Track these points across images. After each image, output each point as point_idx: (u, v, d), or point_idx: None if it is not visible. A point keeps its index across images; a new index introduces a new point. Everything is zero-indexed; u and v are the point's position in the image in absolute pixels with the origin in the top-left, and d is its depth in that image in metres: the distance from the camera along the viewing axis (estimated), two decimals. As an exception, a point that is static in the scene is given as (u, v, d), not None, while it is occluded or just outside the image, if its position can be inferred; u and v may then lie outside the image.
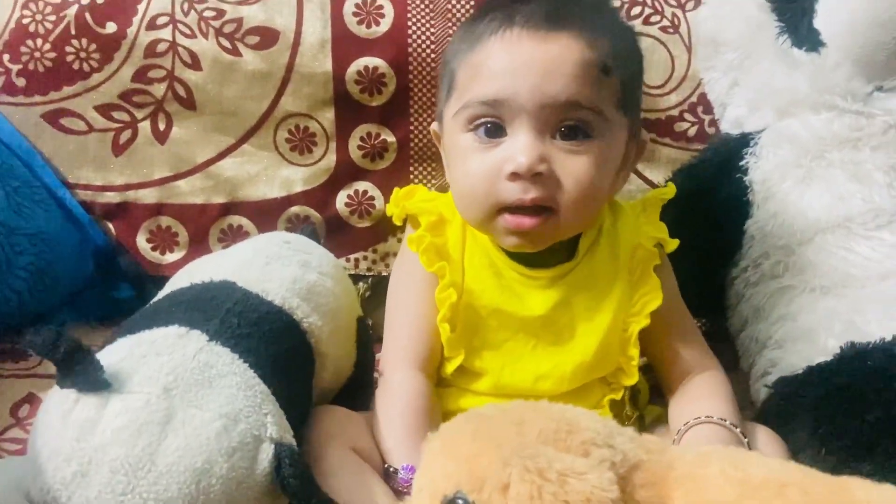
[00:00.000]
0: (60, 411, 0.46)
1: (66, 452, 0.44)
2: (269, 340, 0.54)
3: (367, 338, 0.70)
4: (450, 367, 0.64)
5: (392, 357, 0.66)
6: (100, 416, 0.45)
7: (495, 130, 0.61)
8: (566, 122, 0.60)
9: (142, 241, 0.90)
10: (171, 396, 0.46)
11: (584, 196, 0.60)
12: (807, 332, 0.68)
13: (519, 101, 0.59)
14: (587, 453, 0.44)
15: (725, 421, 0.60)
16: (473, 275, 0.65)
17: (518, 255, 0.65)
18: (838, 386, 0.61)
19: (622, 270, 0.65)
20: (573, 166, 0.59)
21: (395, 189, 0.71)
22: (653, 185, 0.92)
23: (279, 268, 0.62)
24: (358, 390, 0.67)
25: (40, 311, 0.83)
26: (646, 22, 0.92)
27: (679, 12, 0.92)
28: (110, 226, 0.90)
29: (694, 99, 0.92)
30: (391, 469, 0.58)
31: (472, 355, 0.65)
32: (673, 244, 0.67)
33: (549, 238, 0.63)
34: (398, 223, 0.71)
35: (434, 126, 0.71)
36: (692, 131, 0.93)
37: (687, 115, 0.93)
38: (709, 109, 0.92)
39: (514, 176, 0.59)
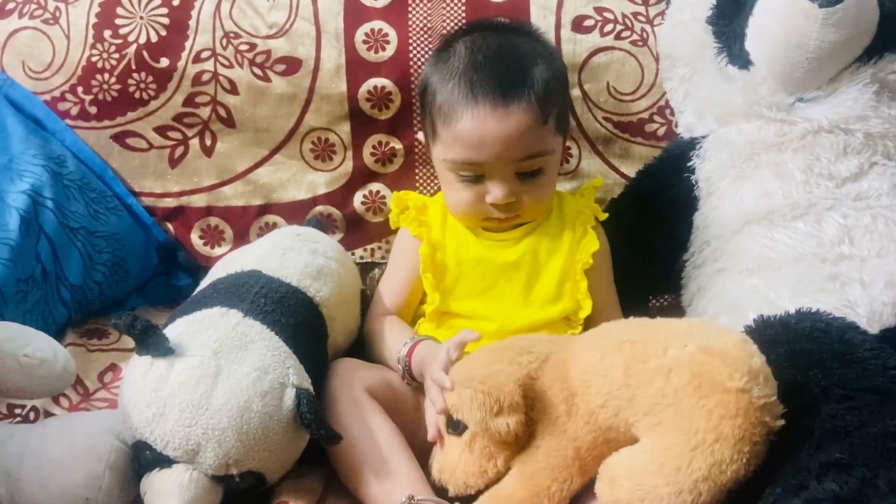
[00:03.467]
0: (140, 372, 0.63)
1: (147, 400, 0.62)
2: (289, 313, 0.71)
3: (367, 305, 0.90)
4: (428, 309, 0.84)
5: (371, 313, 0.88)
6: (169, 373, 0.62)
7: (476, 178, 0.82)
8: (524, 168, 0.81)
9: (195, 238, 1.05)
10: (218, 357, 0.63)
11: (543, 202, 0.85)
12: (733, 306, 0.80)
13: (490, 162, 0.80)
14: (513, 361, 0.66)
15: None
16: (457, 239, 0.86)
17: (490, 228, 0.87)
18: None
19: (568, 230, 0.87)
20: (533, 192, 0.83)
21: (394, 193, 0.93)
22: (627, 179, 1.03)
23: (293, 257, 0.79)
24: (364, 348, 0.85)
25: (116, 298, 0.99)
26: (617, 37, 1.02)
27: (648, 27, 1.02)
28: (169, 226, 1.04)
29: (662, 103, 1.02)
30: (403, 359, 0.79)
31: (459, 300, 0.85)
32: (603, 215, 0.89)
33: (515, 224, 0.86)
34: (395, 209, 0.92)
35: (420, 137, 0.90)
36: (661, 131, 1.03)
37: (656, 118, 1.03)
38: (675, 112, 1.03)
39: (495, 205, 0.82)
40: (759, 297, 0.78)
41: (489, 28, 0.87)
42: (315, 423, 0.63)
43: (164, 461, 0.61)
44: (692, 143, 0.91)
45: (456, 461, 0.68)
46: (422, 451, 0.72)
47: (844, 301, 0.75)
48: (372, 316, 0.88)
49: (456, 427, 0.67)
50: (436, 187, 1.03)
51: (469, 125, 0.79)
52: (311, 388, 0.67)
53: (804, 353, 0.66)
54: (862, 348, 0.67)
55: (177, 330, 0.66)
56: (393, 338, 0.83)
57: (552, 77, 0.82)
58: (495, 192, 0.80)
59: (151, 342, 0.62)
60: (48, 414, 0.79)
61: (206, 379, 0.62)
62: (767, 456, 0.60)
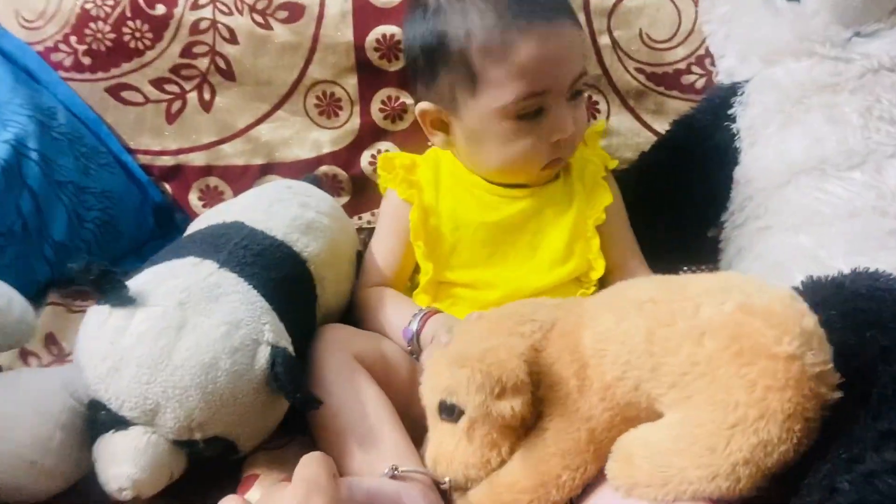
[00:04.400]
0: (97, 322, 0.56)
1: (102, 352, 0.55)
2: (271, 267, 0.64)
3: None
4: (422, 279, 0.75)
5: (362, 280, 0.80)
6: (127, 325, 0.55)
7: (536, 114, 0.73)
8: (576, 88, 0.75)
9: (193, 199, 0.99)
10: (184, 308, 0.56)
11: (583, 133, 0.79)
12: (778, 267, 0.71)
13: (558, 86, 0.72)
14: (513, 332, 0.56)
15: None
16: (453, 200, 0.78)
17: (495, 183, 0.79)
18: None
19: (576, 184, 0.79)
20: (580, 117, 0.76)
21: (381, 155, 0.84)
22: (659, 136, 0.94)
23: (281, 209, 0.71)
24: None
25: (107, 259, 0.90)
26: None
27: None
28: (167, 185, 0.99)
29: (701, 52, 0.93)
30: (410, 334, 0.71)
31: (456, 269, 0.77)
32: (613, 163, 0.82)
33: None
34: (382, 172, 0.85)
35: (423, 106, 0.79)
36: (700, 83, 0.94)
37: (694, 68, 0.94)
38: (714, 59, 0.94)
39: (560, 141, 0.74)
40: (807, 256, 0.70)
41: None
42: (290, 385, 0.56)
43: (120, 422, 0.54)
44: (734, 89, 0.83)
45: (452, 451, 0.57)
46: (415, 426, 0.64)
47: (907, 260, 0.66)
48: (362, 285, 0.80)
49: (451, 413, 0.56)
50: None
51: (531, 51, 0.71)
52: (289, 346, 0.59)
53: (860, 313, 0.57)
54: None
55: (142, 279, 0.59)
56: (395, 310, 0.75)
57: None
58: (564, 124, 0.73)
59: (109, 289, 0.55)
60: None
61: (169, 331, 0.55)
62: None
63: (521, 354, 0.55)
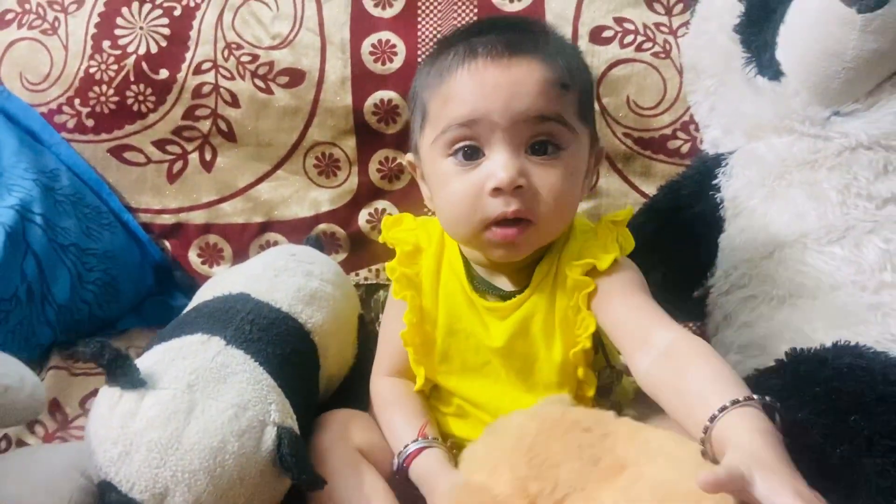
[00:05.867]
0: (108, 405, 0.58)
1: (113, 437, 0.56)
2: (276, 342, 0.65)
3: (367, 332, 0.82)
4: (417, 384, 0.72)
5: (377, 367, 0.75)
6: (138, 408, 0.57)
7: (473, 153, 0.64)
8: (538, 138, 0.63)
9: (193, 257, 1.02)
10: (193, 391, 0.58)
11: (559, 205, 0.64)
12: (763, 338, 0.73)
13: (492, 118, 0.62)
14: (522, 490, 0.53)
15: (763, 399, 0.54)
16: (450, 300, 0.70)
17: (480, 287, 0.70)
18: (774, 389, 0.63)
19: (559, 294, 0.67)
20: (548, 178, 0.63)
21: (385, 218, 0.77)
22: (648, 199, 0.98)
23: (286, 279, 0.73)
24: (361, 379, 0.77)
25: (107, 318, 0.95)
26: (638, 49, 0.98)
27: (671, 38, 0.98)
28: (166, 243, 1.02)
29: (686, 118, 0.97)
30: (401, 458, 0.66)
31: (447, 376, 0.71)
32: (604, 262, 0.66)
33: (530, 246, 0.66)
34: (385, 231, 0.76)
35: (409, 157, 0.73)
36: (685, 148, 0.99)
37: (680, 134, 0.98)
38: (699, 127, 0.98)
39: (497, 191, 0.62)
40: (791, 328, 0.72)
41: (494, 25, 0.70)
42: (297, 467, 0.57)
43: (128, 505, 0.56)
44: (718, 160, 0.85)
45: None
46: None
47: (887, 334, 0.68)
48: (376, 372, 0.75)
49: None
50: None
51: (465, 78, 0.63)
52: (295, 426, 0.61)
53: (844, 395, 0.59)
54: None
55: (151, 359, 0.61)
56: (397, 424, 0.70)
57: (576, 52, 0.71)
58: (496, 169, 0.62)
59: (120, 373, 0.57)
60: (21, 443, 0.75)
61: (178, 415, 0.56)
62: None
63: None
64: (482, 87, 0.62)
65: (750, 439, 0.50)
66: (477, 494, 0.53)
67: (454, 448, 0.69)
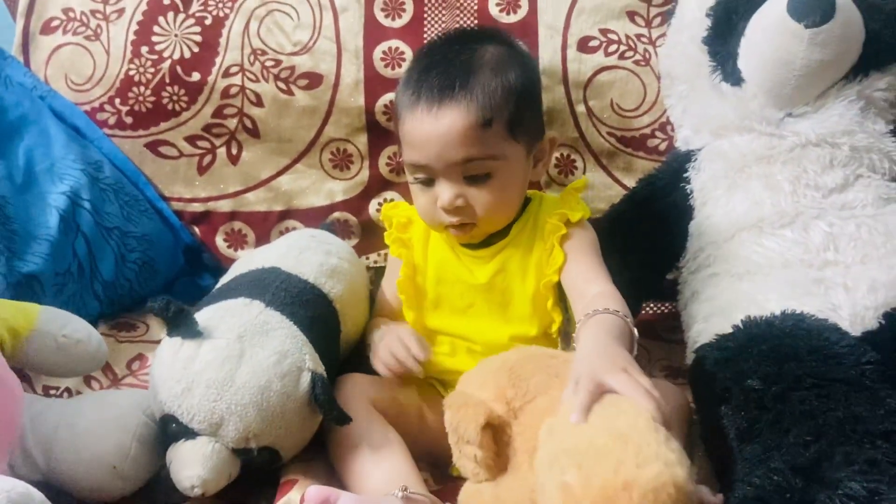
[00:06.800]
0: (171, 351, 0.69)
1: (177, 376, 0.67)
2: (306, 306, 0.77)
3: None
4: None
5: (377, 308, 0.93)
6: (197, 353, 0.68)
7: (428, 181, 0.82)
8: (468, 173, 0.80)
9: (220, 241, 1.11)
10: (242, 341, 0.69)
11: (496, 210, 0.83)
12: (724, 309, 0.82)
13: (432, 165, 0.80)
14: (499, 395, 0.66)
15: (619, 312, 0.71)
16: (438, 256, 0.88)
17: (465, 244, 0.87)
18: (730, 349, 0.76)
19: (538, 243, 0.85)
20: (482, 197, 0.81)
21: (385, 204, 0.95)
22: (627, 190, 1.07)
23: (309, 256, 0.85)
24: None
25: (145, 294, 1.04)
26: (621, 57, 1.08)
27: (650, 48, 1.08)
28: (196, 229, 1.11)
29: (663, 119, 1.07)
30: None
31: (438, 318, 0.87)
32: (576, 216, 0.84)
33: (482, 235, 0.85)
34: (384, 221, 0.94)
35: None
36: (662, 146, 1.08)
37: (658, 133, 1.08)
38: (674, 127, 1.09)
39: (444, 209, 0.81)
40: (748, 299, 0.81)
41: (458, 37, 0.89)
42: (328, 405, 0.68)
43: (190, 433, 0.66)
44: (689, 156, 0.95)
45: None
46: (421, 457, 0.77)
47: (828, 304, 0.78)
48: (374, 314, 0.93)
49: None
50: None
51: (410, 126, 0.81)
52: (324, 373, 0.72)
53: (783, 349, 0.70)
54: (839, 345, 0.71)
55: (204, 315, 0.72)
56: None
57: (500, 83, 0.80)
58: (441, 195, 0.80)
59: (183, 324, 0.68)
60: (80, 394, 0.85)
61: (231, 359, 0.67)
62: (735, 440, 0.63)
63: (488, 420, 0.62)
64: (421, 139, 0.80)
65: (583, 340, 0.68)
66: (466, 398, 0.65)
67: (447, 382, 0.84)
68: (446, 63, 0.81)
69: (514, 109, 0.81)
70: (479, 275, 0.86)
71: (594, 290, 0.78)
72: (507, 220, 0.86)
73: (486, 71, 0.81)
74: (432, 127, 0.79)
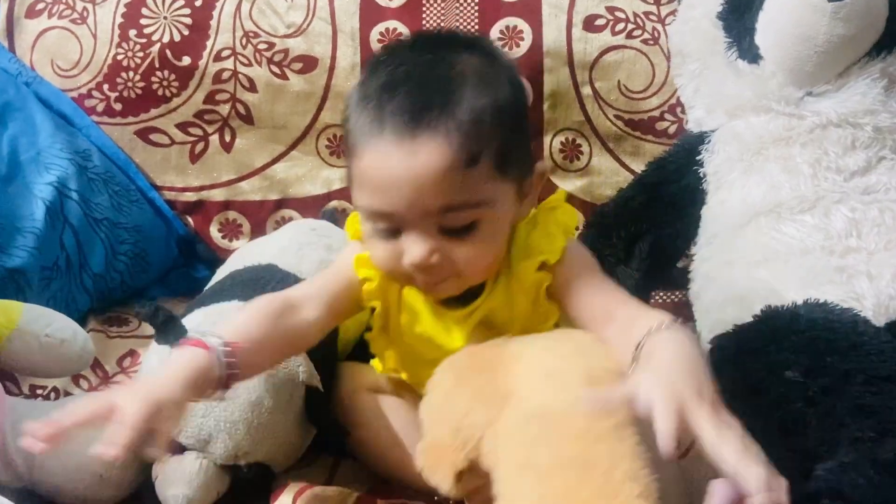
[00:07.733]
0: (158, 360, 0.66)
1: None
2: (303, 310, 0.73)
3: None
4: (378, 369, 0.75)
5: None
6: (184, 361, 0.64)
7: (391, 231, 0.61)
8: (446, 224, 0.60)
9: (214, 231, 1.09)
10: (232, 349, 0.65)
11: (478, 265, 0.63)
12: (741, 298, 0.79)
13: (401, 213, 0.59)
14: (458, 448, 0.59)
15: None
16: (412, 309, 0.69)
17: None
18: (754, 340, 0.73)
19: (518, 297, 0.66)
20: (462, 252, 0.61)
21: (353, 213, 0.70)
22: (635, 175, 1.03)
23: (309, 252, 0.81)
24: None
25: (137, 287, 1.03)
26: (629, 36, 1.04)
27: (659, 26, 1.05)
28: (189, 219, 1.08)
29: (673, 101, 1.04)
30: None
31: (403, 367, 0.73)
32: (555, 256, 0.65)
33: (460, 289, 0.65)
34: (349, 230, 0.72)
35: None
36: (672, 129, 1.05)
37: (667, 115, 1.05)
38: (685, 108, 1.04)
39: (413, 266, 0.61)
40: (766, 288, 0.77)
41: (427, 43, 0.66)
42: (321, 419, 0.65)
43: (177, 448, 0.63)
44: (702, 137, 0.91)
45: None
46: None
47: (851, 293, 0.75)
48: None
49: None
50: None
51: (371, 161, 0.59)
52: (319, 384, 0.69)
53: (819, 342, 0.68)
54: (876, 339, 0.69)
55: (195, 320, 0.68)
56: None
57: (489, 104, 0.60)
58: (410, 250, 0.60)
59: (171, 333, 0.64)
60: (68, 395, 0.82)
61: (221, 370, 0.64)
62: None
63: (454, 468, 0.57)
64: (387, 181, 0.59)
65: (661, 353, 0.55)
66: (436, 450, 0.59)
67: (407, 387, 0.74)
68: (417, 78, 0.60)
69: (503, 139, 0.62)
70: (455, 336, 0.68)
71: (624, 314, 0.63)
72: (489, 275, 0.66)
73: (469, 89, 0.60)
74: (403, 165, 0.58)
